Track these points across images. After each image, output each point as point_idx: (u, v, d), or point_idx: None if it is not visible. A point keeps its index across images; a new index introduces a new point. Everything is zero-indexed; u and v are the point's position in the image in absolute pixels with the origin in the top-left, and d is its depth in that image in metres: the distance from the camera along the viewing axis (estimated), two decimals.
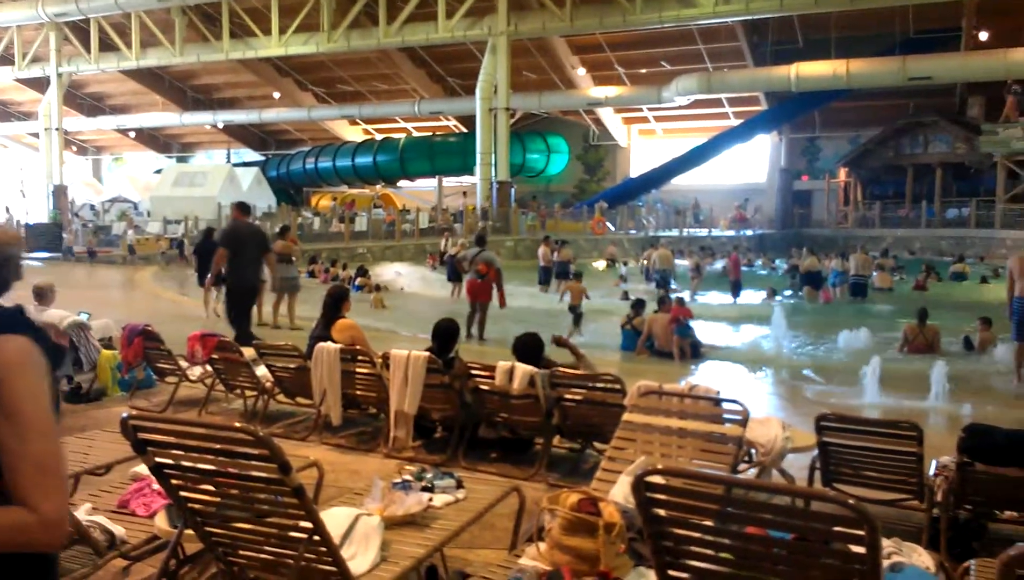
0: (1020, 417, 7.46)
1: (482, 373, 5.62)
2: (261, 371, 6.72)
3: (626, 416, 4.30)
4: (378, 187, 43.88)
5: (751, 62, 34.46)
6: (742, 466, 4.56)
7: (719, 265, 25.83)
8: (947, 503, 4.14)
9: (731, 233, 35.92)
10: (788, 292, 20.01)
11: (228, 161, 46.65)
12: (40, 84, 40.29)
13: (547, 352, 5.96)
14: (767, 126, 37.52)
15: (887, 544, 3.31)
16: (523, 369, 5.41)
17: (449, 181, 40.98)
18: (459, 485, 3.75)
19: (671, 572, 2.32)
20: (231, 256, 9.30)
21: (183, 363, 7.17)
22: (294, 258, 12.90)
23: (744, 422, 4.06)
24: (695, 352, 11.28)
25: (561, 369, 5.65)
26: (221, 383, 6.96)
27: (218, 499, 2.76)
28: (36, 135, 42.89)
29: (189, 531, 2.93)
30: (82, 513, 3.28)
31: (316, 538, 2.67)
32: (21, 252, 1.82)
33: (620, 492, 3.35)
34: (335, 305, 6.73)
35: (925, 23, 30.43)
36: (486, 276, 11.83)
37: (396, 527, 3.26)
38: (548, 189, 43.72)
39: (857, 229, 34.43)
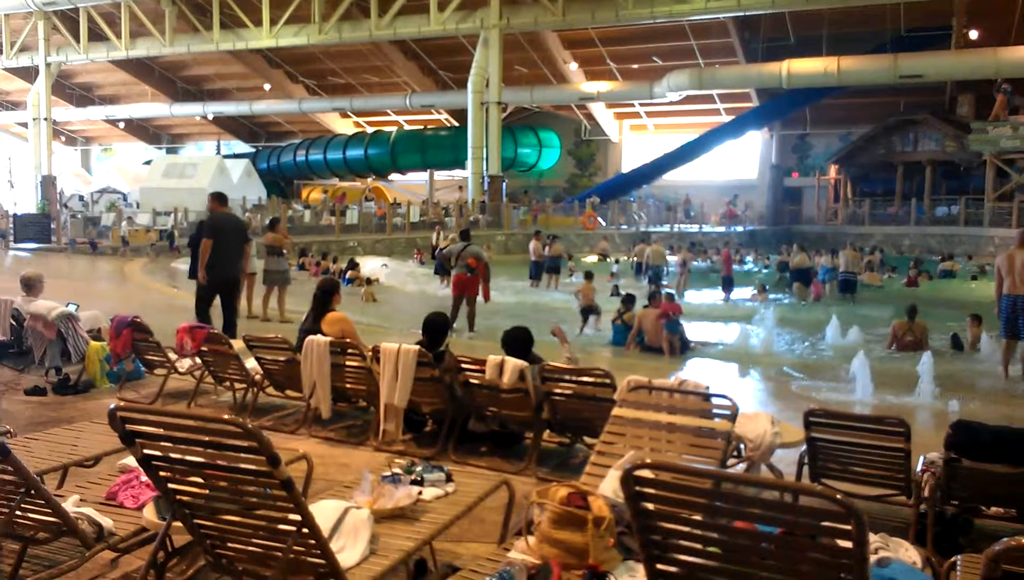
0: (1007, 413, 7.52)
1: (472, 367, 5.62)
2: (250, 363, 6.70)
3: (616, 411, 4.30)
4: (369, 180, 43.79)
5: (743, 58, 34.52)
6: (731, 461, 4.58)
7: (706, 263, 25.93)
8: (934, 499, 4.16)
9: (722, 229, 36.02)
10: (775, 293, 20.01)
11: (218, 153, 46.44)
12: (29, 74, 39.98)
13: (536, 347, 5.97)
14: (758, 122, 37.64)
15: (874, 539, 3.34)
16: (513, 363, 5.41)
17: (440, 175, 40.95)
18: (449, 479, 3.75)
19: (659, 566, 2.33)
20: (214, 247, 9.24)
21: (172, 355, 7.13)
22: (284, 251, 12.84)
23: (733, 417, 4.08)
24: (684, 347, 11.32)
25: (551, 364, 5.66)
26: (210, 375, 6.94)
27: (207, 491, 2.76)
28: (24, 125, 42.62)
29: (177, 523, 2.92)
30: (70, 505, 3.26)
31: (305, 531, 2.67)
32: None
33: (609, 486, 3.36)
34: (325, 298, 6.70)
35: (916, 21, 30.57)
36: (475, 270, 11.83)
37: (385, 520, 3.26)
38: (539, 184, 43.74)
39: (847, 226, 34.59)
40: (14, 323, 8.07)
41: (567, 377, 5.49)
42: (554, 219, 33.68)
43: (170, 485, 2.76)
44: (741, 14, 29.73)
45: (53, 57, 38.18)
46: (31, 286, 8.02)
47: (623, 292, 13.55)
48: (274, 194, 38.18)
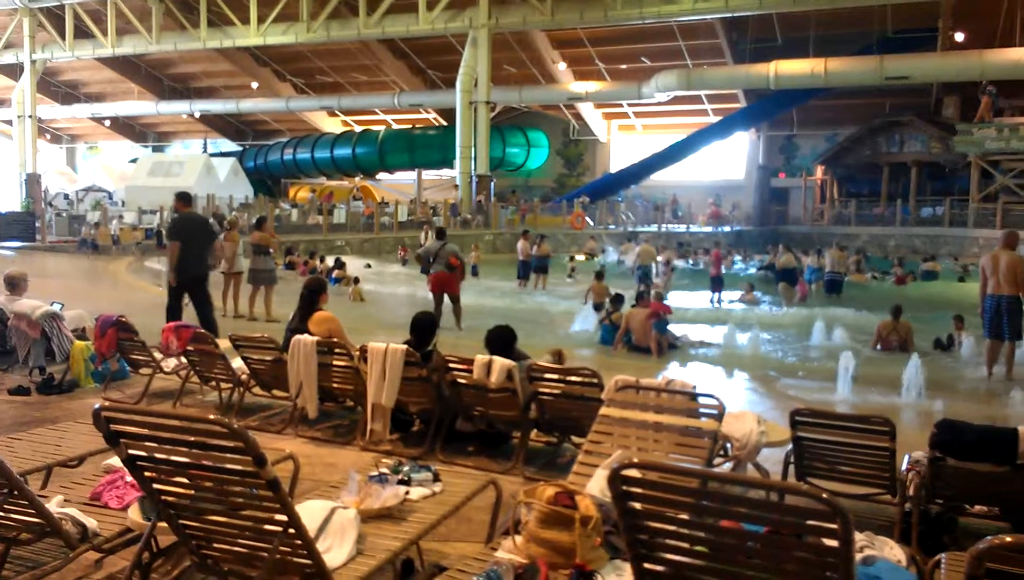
0: (991, 413, 7.59)
1: (460, 366, 5.61)
2: (237, 363, 6.67)
3: (603, 410, 4.31)
4: (357, 179, 43.68)
5: (730, 59, 34.65)
6: (717, 460, 4.59)
7: (691, 262, 25.99)
8: (919, 497, 4.19)
9: (709, 229, 36.14)
10: (763, 293, 20.03)
11: (205, 151, 46.22)
12: (13, 71, 39.67)
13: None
14: (746, 123, 37.80)
15: (859, 537, 3.35)
16: (501, 363, 5.41)
17: (428, 174, 40.88)
18: (436, 478, 3.75)
19: (646, 565, 2.33)
20: (182, 248, 9.29)
21: (157, 355, 7.09)
22: (271, 250, 12.80)
23: (720, 416, 4.09)
24: (672, 347, 11.35)
25: (539, 363, 5.67)
26: (196, 375, 6.90)
27: (192, 492, 2.74)
28: (9, 123, 42.26)
29: (163, 524, 2.90)
30: (54, 505, 3.24)
31: (291, 531, 2.66)
32: None
33: (596, 486, 3.36)
34: (312, 297, 6.68)
35: (902, 23, 30.77)
36: (456, 268, 12.15)
37: (372, 520, 3.25)
38: (528, 183, 43.76)
39: (833, 226, 34.76)
40: None
41: (555, 376, 5.49)
42: (542, 219, 33.70)
43: (155, 485, 2.75)
44: (729, 15, 29.86)
45: (38, 54, 37.89)
46: (15, 285, 7.95)
47: (613, 291, 13.61)
48: (261, 193, 38.01)
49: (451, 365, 5.67)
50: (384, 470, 3.75)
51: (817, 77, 30.12)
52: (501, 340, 5.80)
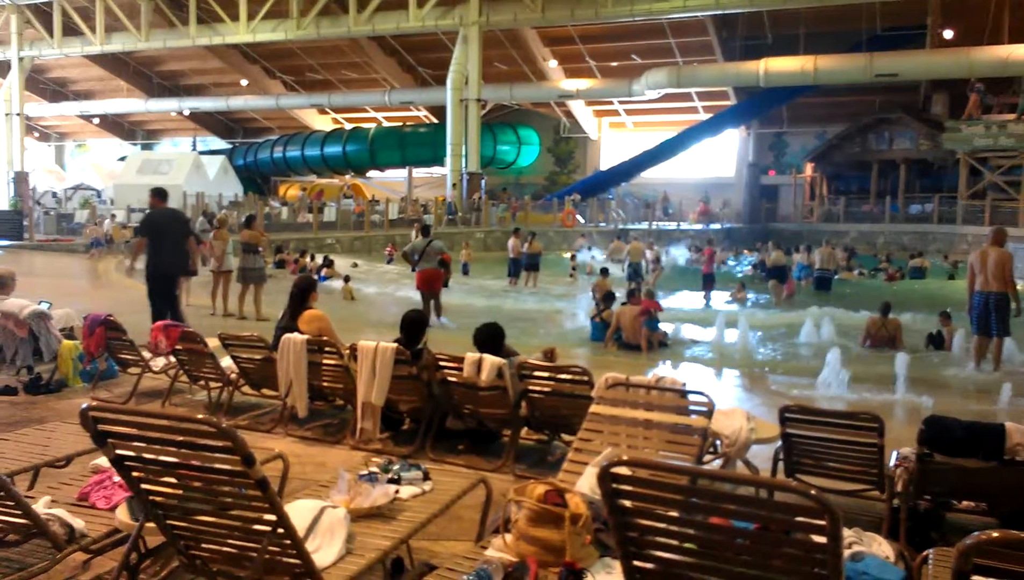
0: (978, 409, 7.62)
1: (450, 364, 5.61)
2: (226, 362, 6.65)
3: (593, 408, 4.31)
4: (347, 177, 43.57)
5: (721, 57, 34.74)
6: (707, 457, 4.59)
7: (682, 258, 25.99)
8: (907, 493, 4.20)
9: (699, 226, 36.21)
10: (753, 291, 20.07)
11: (194, 149, 46.00)
12: (1, 68, 39.38)
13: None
14: (736, 121, 37.89)
15: (848, 534, 3.37)
16: (491, 361, 5.41)
17: (419, 172, 40.82)
18: (426, 477, 3.74)
19: (636, 562, 2.33)
20: (150, 243, 9.24)
21: (146, 354, 7.06)
22: (261, 248, 12.75)
23: (709, 414, 4.10)
24: (663, 345, 11.38)
25: (529, 361, 5.66)
26: (185, 374, 6.87)
27: (180, 492, 2.73)
28: None
29: (151, 524, 2.89)
30: (41, 506, 3.22)
31: (280, 531, 2.65)
32: None
33: (586, 483, 3.36)
34: (302, 296, 6.66)
35: (892, 21, 30.91)
36: (446, 264, 12.57)
37: (362, 519, 3.25)
38: (519, 181, 43.75)
39: (822, 224, 34.86)
40: None
41: (545, 374, 5.49)
42: (533, 216, 33.73)
43: (143, 486, 2.73)
44: (719, 12, 29.95)
45: (26, 51, 37.67)
46: (2, 284, 7.88)
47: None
48: (251, 191, 37.86)
49: (441, 363, 5.66)
50: (374, 469, 3.74)
51: (807, 75, 30.24)
52: (490, 338, 5.80)
